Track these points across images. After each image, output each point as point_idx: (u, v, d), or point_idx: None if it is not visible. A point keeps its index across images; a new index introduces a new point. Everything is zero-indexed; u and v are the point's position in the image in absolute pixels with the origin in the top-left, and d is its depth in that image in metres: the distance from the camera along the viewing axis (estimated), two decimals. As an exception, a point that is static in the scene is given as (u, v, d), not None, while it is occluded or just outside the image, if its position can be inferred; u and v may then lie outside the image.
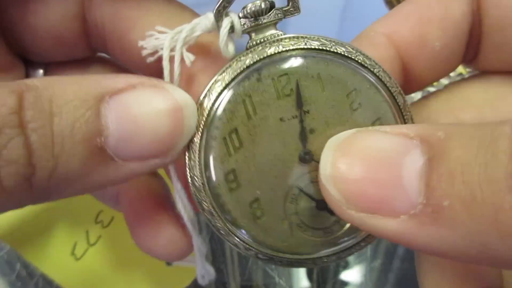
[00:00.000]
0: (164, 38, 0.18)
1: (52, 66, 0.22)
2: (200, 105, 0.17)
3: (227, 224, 0.17)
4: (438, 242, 0.12)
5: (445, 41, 0.18)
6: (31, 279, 0.35)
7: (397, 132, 0.13)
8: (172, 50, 0.18)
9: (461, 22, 0.18)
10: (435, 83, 0.37)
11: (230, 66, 0.17)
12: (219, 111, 0.17)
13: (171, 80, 0.18)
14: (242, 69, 0.17)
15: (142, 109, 0.14)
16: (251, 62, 0.17)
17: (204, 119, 0.17)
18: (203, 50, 0.19)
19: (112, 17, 0.19)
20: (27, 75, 0.22)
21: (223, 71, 0.17)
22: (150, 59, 0.19)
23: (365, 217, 0.13)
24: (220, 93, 0.17)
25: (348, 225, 0.17)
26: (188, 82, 0.19)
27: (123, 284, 0.29)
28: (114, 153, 0.14)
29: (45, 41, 0.20)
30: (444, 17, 0.18)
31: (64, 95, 0.14)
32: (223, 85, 0.17)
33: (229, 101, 0.17)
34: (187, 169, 0.17)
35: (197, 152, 0.17)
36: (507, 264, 0.12)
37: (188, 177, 0.17)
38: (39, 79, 0.15)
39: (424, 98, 0.20)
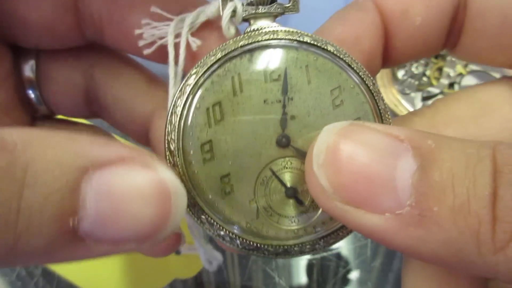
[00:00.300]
0: (161, 27, 0.18)
1: (44, 54, 0.22)
2: (190, 73, 0.17)
3: (195, 195, 0.17)
4: (417, 244, 0.13)
5: (427, 17, 0.18)
6: (31, 279, 0.35)
7: (388, 133, 0.13)
8: (175, 36, 0.18)
9: (446, 1, 0.18)
10: (435, 83, 0.37)
11: (225, 44, 0.17)
12: (207, 83, 0.17)
13: (176, 63, 0.19)
14: (235, 47, 0.17)
15: (126, 191, 0.13)
16: (245, 43, 0.17)
17: (192, 86, 0.17)
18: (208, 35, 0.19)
19: (109, 4, 0.19)
20: (18, 65, 0.22)
21: (218, 48, 0.17)
22: (148, 51, 0.19)
23: (348, 210, 0.13)
24: (210, 66, 0.17)
25: (315, 218, 0.17)
26: (192, 60, 0.19)
27: (133, 274, 0.29)
28: (87, 235, 0.12)
29: (37, 31, 0.20)
30: None
31: (43, 162, 0.12)
32: (215, 59, 0.17)
33: (218, 75, 0.17)
34: (165, 132, 0.17)
35: (179, 117, 0.17)
36: (479, 271, 0.13)
37: (165, 140, 0.17)
38: (21, 133, 0.12)
39: (410, 113, 0.21)
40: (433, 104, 0.20)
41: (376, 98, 0.17)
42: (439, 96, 0.37)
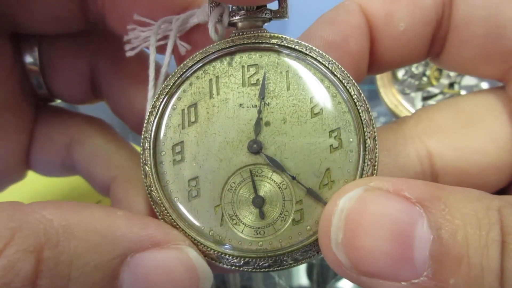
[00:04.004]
0: (147, 30, 0.19)
1: (47, 43, 0.22)
2: (171, 74, 0.17)
3: (161, 196, 0.17)
4: None
5: (411, 23, 0.18)
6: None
7: (401, 195, 0.14)
8: (162, 39, 0.18)
9: (429, 9, 0.18)
10: (434, 83, 0.37)
11: (208, 47, 0.17)
12: (185, 84, 0.17)
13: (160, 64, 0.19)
14: (216, 50, 0.17)
15: (161, 276, 0.14)
16: (226, 46, 0.17)
17: (170, 87, 0.17)
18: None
19: None
20: (20, 56, 0.22)
21: (201, 51, 0.17)
22: (130, 53, 0.19)
23: (366, 280, 0.14)
24: (190, 67, 0.17)
25: (282, 231, 0.16)
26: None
27: None
28: None
29: (41, 16, 0.20)
30: (414, 1, 0.18)
31: (87, 254, 0.13)
32: (195, 61, 0.17)
33: (197, 76, 0.17)
34: (143, 130, 0.17)
35: (154, 116, 0.17)
36: None
37: (142, 138, 0.17)
38: (59, 216, 0.13)
39: (394, 122, 0.20)
40: (416, 113, 0.20)
41: (359, 108, 0.17)
42: (439, 96, 0.37)
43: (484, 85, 0.36)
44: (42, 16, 0.19)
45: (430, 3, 0.18)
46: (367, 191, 0.14)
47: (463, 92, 0.36)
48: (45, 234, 0.13)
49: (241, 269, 0.16)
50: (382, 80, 0.37)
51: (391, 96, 0.36)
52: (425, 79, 0.38)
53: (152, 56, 0.19)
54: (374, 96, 0.40)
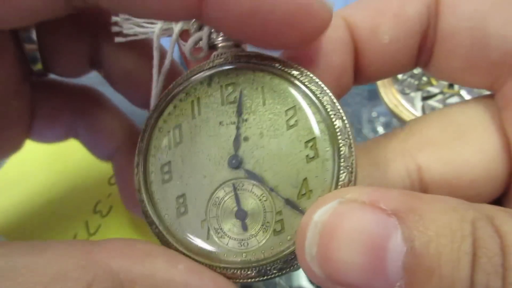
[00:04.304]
0: (142, 24, 0.20)
1: (45, 27, 0.22)
2: (160, 96, 0.19)
3: (152, 214, 0.18)
4: None
5: (395, 36, 0.19)
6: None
7: (375, 207, 0.14)
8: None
9: (414, 21, 0.19)
10: (434, 83, 0.37)
11: (190, 70, 0.18)
12: (170, 106, 0.18)
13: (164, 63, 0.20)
14: (197, 72, 0.18)
15: None
16: (206, 68, 0.18)
17: (160, 109, 0.18)
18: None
19: None
20: (18, 40, 0.21)
21: (182, 75, 0.19)
22: (119, 39, 0.20)
23: None
24: (173, 89, 0.18)
25: (264, 243, 0.17)
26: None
27: None
28: None
29: (18, 14, 0.18)
30: (398, 13, 0.18)
31: None
32: (178, 84, 0.18)
33: (180, 99, 0.18)
34: (137, 151, 0.18)
35: (144, 139, 0.18)
36: None
37: (136, 158, 0.18)
38: (126, 270, 0.15)
39: (382, 135, 0.20)
40: (407, 126, 0.20)
41: (332, 117, 0.17)
42: (439, 96, 0.37)
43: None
44: (18, 11, 0.18)
45: (414, 16, 0.18)
46: (342, 204, 0.14)
47: (463, 92, 0.36)
48: (100, 276, 0.14)
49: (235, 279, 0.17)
50: (382, 80, 0.37)
51: (391, 96, 0.36)
52: (425, 79, 0.38)
53: (156, 60, 0.19)
54: (374, 96, 0.40)
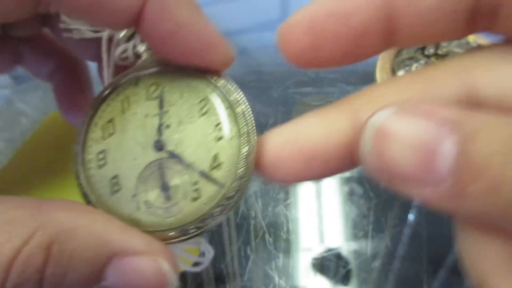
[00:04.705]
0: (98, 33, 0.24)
1: None
2: (95, 97, 0.23)
3: (90, 194, 0.21)
4: (455, 209, 0.14)
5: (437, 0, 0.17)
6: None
7: (429, 115, 0.14)
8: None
9: None
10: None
11: (119, 76, 0.23)
12: (104, 105, 0.22)
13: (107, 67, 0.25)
14: (126, 75, 0.22)
15: (137, 276, 0.19)
16: (133, 71, 0.22)
17: (95, 107, 0.22)
18: None
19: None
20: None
21: (112, 80, 0.23)
22: (66, 35, 0.23)
23: (395, 184, 0.15)
24: (106, 88, 0.22)
25: (184, 208, 0.21)
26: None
27: None
28: None
29: None
30: None
31: (83, 251, 0.17)
32: (113, 86, 0.23)
33: (112, 98, 0.22)
34: (76, 142, 0.22)
35: (84, 130, 0.22)
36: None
37: (75, 148, 0.22)
38: (70, 220, 0.18)
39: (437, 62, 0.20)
40: (459, 54, 0.19)
41: (235, 104, 0.21)
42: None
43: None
44: None
45: None
46: (397, 110, 0.15)
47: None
48: (56, 234, 0.17)
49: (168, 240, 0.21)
50: (382, 80, 0.37)
51: (391, 97, 0.36)
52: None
53: (105, 62, 0.24)
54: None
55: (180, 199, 0.21)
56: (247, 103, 0.21)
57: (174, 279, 0.20)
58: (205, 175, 0.21)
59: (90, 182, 0.22)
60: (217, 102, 0.21)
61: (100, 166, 0.22)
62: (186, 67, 0.22)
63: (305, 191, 0.38)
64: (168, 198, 0.21)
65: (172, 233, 0.21)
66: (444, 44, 0.38)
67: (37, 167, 0.29)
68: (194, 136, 0.21)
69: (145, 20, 0.20)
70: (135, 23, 0.20)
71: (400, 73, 0.37)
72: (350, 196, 0.37)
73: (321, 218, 0.37)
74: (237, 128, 0.21)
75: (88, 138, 0.22)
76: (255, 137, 0.21)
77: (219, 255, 0.35)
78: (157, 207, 0.21)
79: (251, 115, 0.21)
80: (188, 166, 0.21)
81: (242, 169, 0.21)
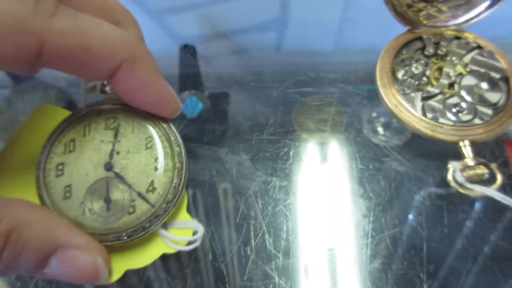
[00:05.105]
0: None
1: None
2: (63, 120, 0.28)
3: (45, 196, 0.26)
4: None
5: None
6: (31, 279, 0.35)
7: None
8: None
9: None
10: (434, 83, 0.37)
11: (86, 105, 0.29)
12: (69, 127, 0.28)
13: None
14: (90, 106, 0.29)
15: (75, 265, 0.23)
16: (98, 104, 0.29)
17: (62, 127, 0.28)
18: None
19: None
20: None
21: (78, 109, 0.29)
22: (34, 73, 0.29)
23: None
24: (74, 115, 0.28)
25: (120, 219, 0.26)
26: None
27: (125, 260, 0.29)
28: (48, 276, 0.23)
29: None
30: None
31: (35, 240, 0.21)
32: (78, 113, 0.28)
33: (77, 122, 0.28)
34: (40, 154, 0.27)
35: (48, 146, 0.27)
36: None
37: (39, 158, 0.27)
38: (27, 214, 0.22)
39: None
40: None
41: (174, 145, 0.27)
42: (439, 96, 0.37)
43: (484, 85, 0.36)
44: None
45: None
46: None
47: (463, 92, 0.36)
48: (15, 224, 0.21)
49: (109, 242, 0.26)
50: (382, 80, 0.37)
51: (391, 96, 0.36)
52: (425, 79, 0.38)
53: (83, 103, 0.30)
54: (374, 96, 0.40)
55: (119, 211, 0.26)
56: (182, 145, 0.28)
57: (106, 274, 0.25)
58: (141, 195, 0.26)
59: (47, 186, 0.26)
60: (159, 141, 0.27)
61: (58, 176, 0.27)
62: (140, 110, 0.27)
63: (305, 191, 0.38)
64: (108, 209, 0.26)
65: (108, 237, 0.25)
66: (444, 44, 0.38)
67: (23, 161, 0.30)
68: (138, 164, 0.27)
69: (118, 77, 0.25)
70: (110, 78, 0.25)
71: (400, 73, 0.37)
72: (350, 196, 0.37)
73: (321, 218, 0.37)
74: (173, 163, 0.27)
75: (51, 151, 0.27)
76: (186, 173, 0.27)
77: (219, 255, 0.35)
78: (99, 215, 0.26)
79: (184, 154, 0.27)
80: (129, 186, 0.26)
81: (171, 195, 0.26)
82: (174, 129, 0.28)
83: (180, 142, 0.28)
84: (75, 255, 0.23)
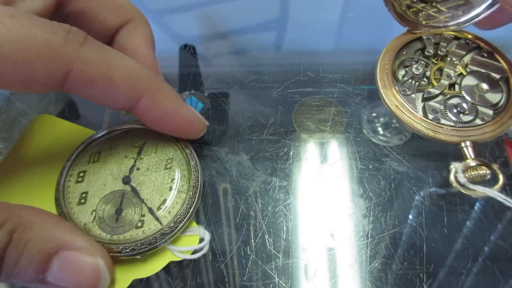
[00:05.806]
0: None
1: None
2: (92, 135, 0.31)
3: (61, 201, 0.28)
4: None
5: None
6: None
7: None
8: None
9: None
10: (435, 84, 0.37)
11: (115, 125, 0.32)
12: (97, 141, 0.31)
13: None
14: (116, 127, 0.32)
15: (75, 270, 0.23)
16: (125, 125, 0.32)
17: (89, 141, 0.30)
18: None
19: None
20: None
21: (107, 128, 0.32)
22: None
23: None
24: (102, 133, 0.31)
25: (127, 231, 0.27)
26: None
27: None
28: (49, 282, 0.23)
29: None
30: None
31: (37, 240, 0.22)
32: (105, 132, 0.31)
33: (106, 139, 0.31)
34: (66, 160, 0.30)
35: (75, 154, 0.30)
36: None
37: (64, 163, 0.29)
38: (31, 214, 0.23)
39: None
40: None
41: (192, 170, 0.29)
42: (440, 97, 0.37)
43: (485, 85, 0.36)
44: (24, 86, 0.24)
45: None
46: None
47: (463, 93, 0.36)
48: (18, 224, 0.21)
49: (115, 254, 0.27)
50: (382, 81, 0.37)
51: (392, 97, 0.36)
52: (425, 80, 0.38)
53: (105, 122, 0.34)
54: (374, 96, 0.40)
55: (127, 224, 0.27)
56: (200, 171, 0.29)
57: (107, 276, 0.25)
58: (151, 212, 0.27)
59: (65, 190, 0.28)
60: (178, 164, 0.29)
61: (77, 182, 0.29)
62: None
63: (305, 191, 0.38)
64: (117, 220, 0.27)
65: (111, 248, 0.26)
66: (444, 44, 0.38)
67: (26, 169, 0.31)
68: (154, 182, 0.28)
69: (139, 108, 0.26)
70: (131, 108, 0.27)
71: (401, 73, 0.37)
72: (350, 196, 0.37)
73: (321, 218, 0.37)
74: (188, 185, 0.28)
75: (77, 159, 0.30)
76: (199, 197, 0.28)
77: (219, 255, 0.35)
78: (107, 224, 0.27)
79: (201, 180, 0.29)
80: (142, 200, 0.28)
81: (180, 216, 0.27)
82: (195, 155, 0.29)
83: (199, 168, 0.29)
84: (77, 256, 0.23)
